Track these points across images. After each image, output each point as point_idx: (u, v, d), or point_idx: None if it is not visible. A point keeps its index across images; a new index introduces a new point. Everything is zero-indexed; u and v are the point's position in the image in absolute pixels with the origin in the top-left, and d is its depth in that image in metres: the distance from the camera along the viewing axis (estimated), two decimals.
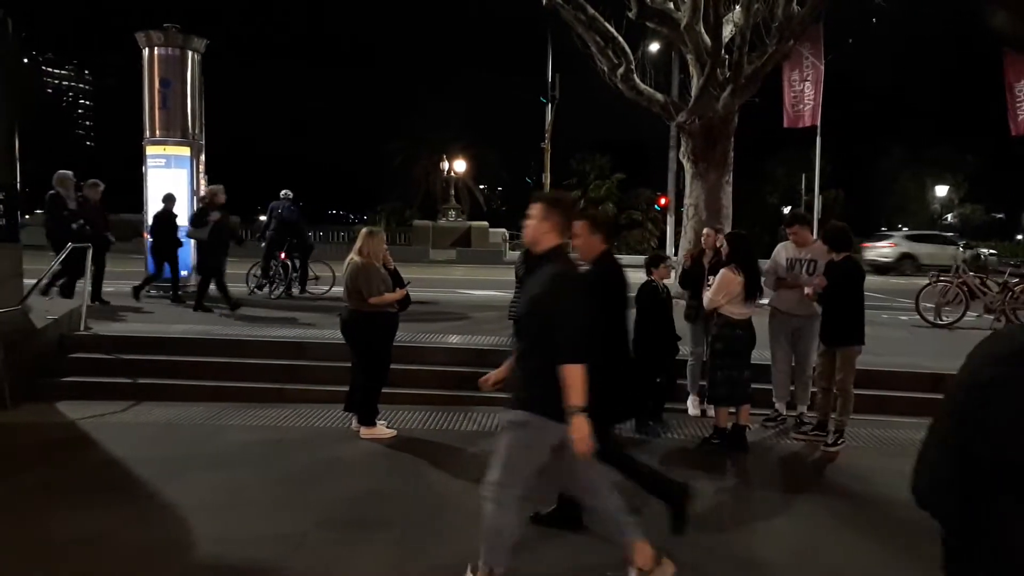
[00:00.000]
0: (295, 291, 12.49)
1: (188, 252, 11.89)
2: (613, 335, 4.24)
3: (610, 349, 4.11)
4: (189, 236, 10.61)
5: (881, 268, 24.26)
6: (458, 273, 21.59)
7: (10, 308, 7.50)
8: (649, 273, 6.63)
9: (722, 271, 6.14)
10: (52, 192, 9.95)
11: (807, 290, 6.44)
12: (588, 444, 3.27)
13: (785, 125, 15.87)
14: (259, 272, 12.65)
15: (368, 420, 6.26)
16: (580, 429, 3.25)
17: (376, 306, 6.11)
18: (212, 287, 10.37)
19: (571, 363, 3.28)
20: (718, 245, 6.79)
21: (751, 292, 6.07)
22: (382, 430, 6.29)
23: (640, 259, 9.50)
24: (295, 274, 12.55)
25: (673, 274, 7.52)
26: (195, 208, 10.67)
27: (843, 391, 6.23)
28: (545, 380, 3.32)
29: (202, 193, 12.17)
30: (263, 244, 12.56)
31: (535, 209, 3.53)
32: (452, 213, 35.20)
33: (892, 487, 5.40)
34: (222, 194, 10.52)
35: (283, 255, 12.28)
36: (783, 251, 6.88)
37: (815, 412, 6.58)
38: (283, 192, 12.68)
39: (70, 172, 10.21)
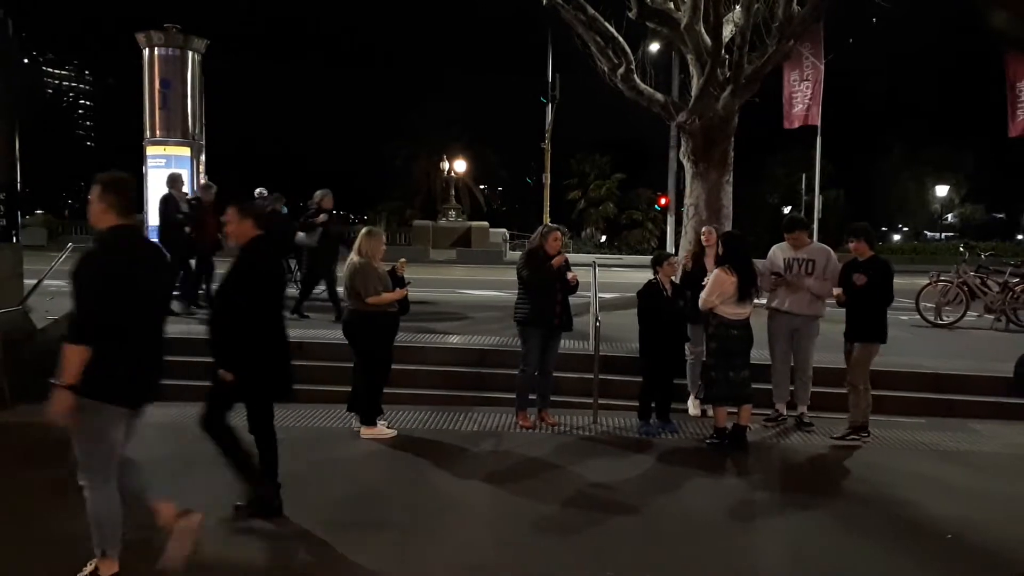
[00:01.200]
0: (294, 290, 12.44)
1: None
2: (257, 318, 4.36)
3: (254, 331, 4.32)
4: (298, 242, 10.15)
5: None
6: (458, 273, 21.57)
7: (10, 308, 7.50)
8: (655, 272, 6.65)
9: (715, 271, 6.16)
10: (165, 194, 9.77)
11: (836, 290, 6.47)
12: (62, 418, 3.42)
13: (785, 126, 15.85)
14: None
15: (369, 420, 6.27)
16: (58, 402, 3.39)
17: (375, 306, 6.11)
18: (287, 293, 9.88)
19: (70, 343, 3.40)
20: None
21: (745, 292, 6.07)
22: (382, 430, 6.29)
23: (640, 259, 9.52)
24: (289, 274, 12.48)
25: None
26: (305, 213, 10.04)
27: (853, 386, 6.25)
28: (90, 360, 3.41)
29: (198, 189, 12.11)
30: None
31: (92, 191, 3.63)
32: (452, 213, 35.18)
33: (893, 487, 5.40)
34: (330, 198, 10.06)
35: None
36: (779, 252, 6.88)
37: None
38: (256, 191, 12.55)
39: (182, 173, 9.96)
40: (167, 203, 9.70)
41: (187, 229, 9.60)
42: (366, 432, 6.26)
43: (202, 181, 10.24)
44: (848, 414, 6.45)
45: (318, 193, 10.09)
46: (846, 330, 6.40)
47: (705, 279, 6.40)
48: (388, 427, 6.38)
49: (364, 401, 6.29)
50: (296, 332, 8.61)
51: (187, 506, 4.70)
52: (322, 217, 9.85)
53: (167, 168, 11.87)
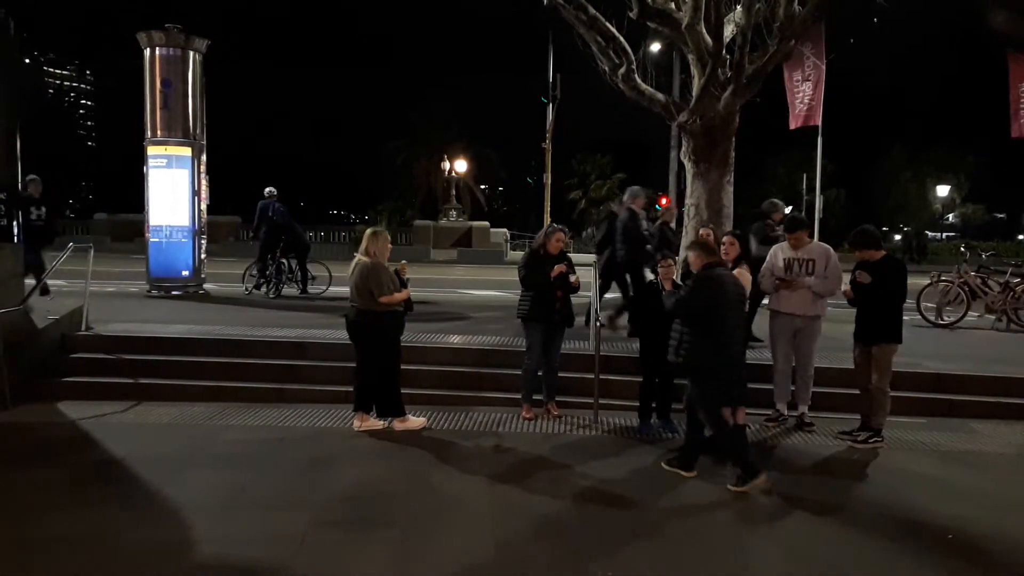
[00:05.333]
0: (295, 291, 12.48)
1: (189, 250, 11.90)
2: None
3: None
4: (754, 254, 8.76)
5: None
6: (459, 273, 21.58)
7: (11, 308, 7.51)
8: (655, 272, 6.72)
9: (737, 271, 6.14)
10: (631, 212, 9.11)
11: (844, 287, 6.48)
12: None
13: (791, 127, 15.86)
14: (255, 272, 12.67)
15: (398, 412, 6.45)
16: None
17: (386, 305, 6.27)
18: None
19: None
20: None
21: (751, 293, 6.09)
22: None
23: None
24: (290, 275, 12.53)
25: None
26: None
27: (880, 391, 6.24)
28: None
29: (204, 193, 12.12)
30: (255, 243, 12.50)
31: None
32: (453, 213, 35.17)
33: (894, 487, 5.40)
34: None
35: (277, 254, 12.29)
36: (779, 252, 6.89)
37: (863, 414, 6.48)
38: (267, 190, 12.67)
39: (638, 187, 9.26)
40: (635, 219, 9.10)
41: (648, 247, 8.94)
42: (399, 425, 6.44)
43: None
44: (856, 415, 6.49)
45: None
46: (856, 331, 6.37)
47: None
48: (394, 421, 6.46)
49: (384, 398, 6.44)
50: (296, 332, 8.65)
51: (184, 505, 4.72)
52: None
53: (168, 168, 11.87)
